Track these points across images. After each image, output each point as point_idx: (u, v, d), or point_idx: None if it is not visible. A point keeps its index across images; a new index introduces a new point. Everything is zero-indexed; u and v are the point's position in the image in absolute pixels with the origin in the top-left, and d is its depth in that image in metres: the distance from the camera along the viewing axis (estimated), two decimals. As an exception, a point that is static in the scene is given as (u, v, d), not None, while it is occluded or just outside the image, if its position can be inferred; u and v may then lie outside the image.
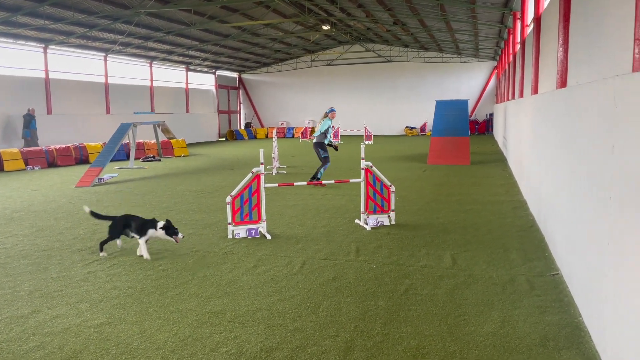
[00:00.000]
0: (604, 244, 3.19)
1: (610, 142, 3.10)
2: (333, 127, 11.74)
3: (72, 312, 4.17)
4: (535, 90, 10.95)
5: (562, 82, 7.30)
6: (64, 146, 18.26)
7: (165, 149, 20.56)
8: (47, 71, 21.80)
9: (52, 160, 17.55)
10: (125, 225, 5.83)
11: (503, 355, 3.30)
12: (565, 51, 7.22)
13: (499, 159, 15.79)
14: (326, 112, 11.30)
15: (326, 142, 11.16)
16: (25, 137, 18.88)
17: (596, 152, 3.47)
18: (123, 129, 15.12)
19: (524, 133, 9.37)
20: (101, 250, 5.82)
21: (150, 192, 10.84)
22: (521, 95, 14.84)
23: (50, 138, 20.69)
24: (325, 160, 11.14)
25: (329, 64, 37.28)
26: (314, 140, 11.28)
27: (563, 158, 4.88)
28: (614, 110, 3.03)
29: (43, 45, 21.55)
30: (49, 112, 21.68)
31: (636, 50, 3.47)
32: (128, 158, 18.27)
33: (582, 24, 6.57)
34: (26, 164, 16.67)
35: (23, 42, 20.64)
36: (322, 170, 11.15)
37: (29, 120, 19.11)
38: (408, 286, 4.63)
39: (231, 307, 4.23)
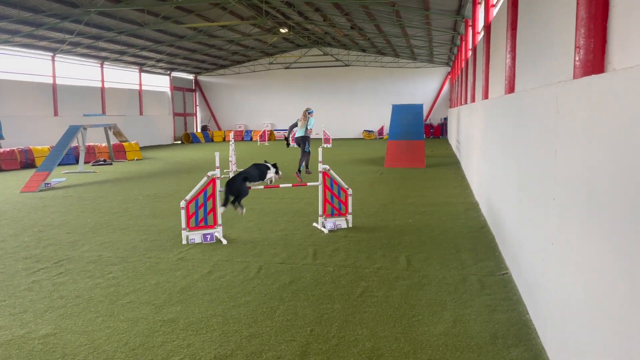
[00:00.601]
0: (548, 244, 3.32)
1: (553, 146, 3.23)
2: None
3: (15, 323, 3.97)
4: (485, 95, 11.32)
5: (510, 88, 7.57)
6: (8, 150, 17.40)
7: (117, 153, 19.94)
8: (-11, 71, 20.77)
9: (-5, 164, 16.68)
10: (244, 179, 6.91)
11: (455, 354, 3.38)
12: (513, 58, 7.49)
13: (453, 162, 16.20)
14: (309, 112, 13.09)
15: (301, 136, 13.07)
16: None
17: (541, 156, 3.62)
18: (72, 131, 14.58)
19: (475, 137, 9.66)
20: (225, 205, 6.64)
21: (101, 197, 10.49)
22: (473, 100, 15.31)
23: (-7, 141, 19.68)
24: (309, 153, 13.01)
25: (287, 67, 37.25)
26: (302, 134, 13.02)
27: (511, 161, 5.06)
28: (556, 116, 3.17)
29: (-15, 44, 20.52)
30: (-9, 113, 20.64)
31: (576, 58, 3.64)
32: (77, 162, 17.61)
33: (528, 32, 6.84)
34: (-34, 168, 15.78)
35: (-37, 40, 19.61)
36: (305, 163, 12.92)
37: None
38: (364, 288, 4.67)
39: (184, 314, 4.14)
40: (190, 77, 38.69)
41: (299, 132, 13.12)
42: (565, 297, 2.93)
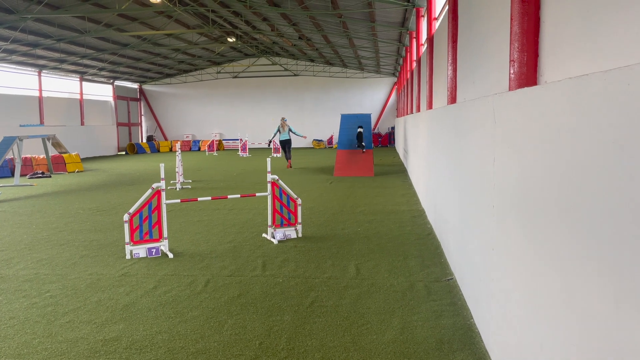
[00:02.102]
0: (489, 249, 3.44)
1: (492, 155, 3.37)
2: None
3: (-62, 352, 3.68)
4: (430, 105, 11.68)
5: (452, 99, 7.85)
6: None
7: (57, 165, 19.04)
8: None
9: None
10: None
11: (403, 361, 3.42)
12: (455, 70, 7.78)
13: (401, 170, 16.55)
14: (284, 119, 18.34)
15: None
16: None
17: (481, 164, 3.76)
18: (6, 143, 13.80)
19: (420, 145, 9.92)
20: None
21: (38, 211, 9.97)
22: (418, 109, 15.74)
23: None
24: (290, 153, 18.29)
25: (235, 77, 36.96)
26: (287, 138, 17.82)
27: (453, 169, 5.23)
28: (493, 125, 3.31)
29: None
30: None
31: (511, 71, 3.82)
32: (13, 175, 16.68)
33: (468, 45, 7.13)
34: None
35: None
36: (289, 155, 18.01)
37: None
38: (314, 299, 4.67)
39: (128, 332, 3.98)
40: (135, 86, 37.64)
41: (282, 137, 17.87)
42: (505, 301, 3.04)
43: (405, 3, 14.19)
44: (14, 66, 25.04)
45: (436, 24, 11.62)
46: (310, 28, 22.17)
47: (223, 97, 37.26)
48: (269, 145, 20.40)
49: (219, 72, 36.78)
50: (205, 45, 27.65)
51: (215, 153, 30.11)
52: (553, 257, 2.22)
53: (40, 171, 17.69)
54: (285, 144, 17.84)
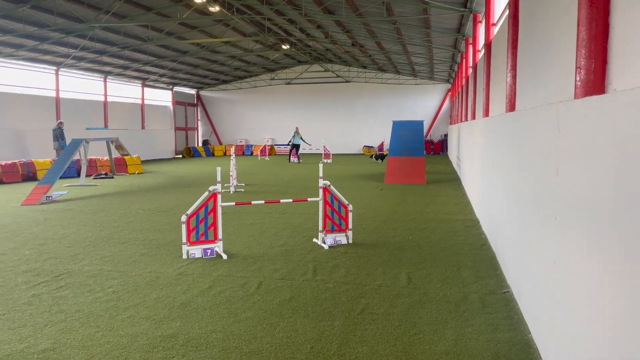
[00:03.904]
0: (550, 263, 3.31)
1: (554, 165, 3.25)
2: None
3: (14, 338, 3.95)
4: (486, 112, 11.39)
5: (511, 106, 7.62)
6: (10, 162, 17.44)
7: (119, 166, 19.99)
8: (-7, 84, 20.92)
9: (-3, 176, 16.72)
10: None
11: (456, 373, 3.35)
12: (514, 76, 7.56)
13: (453, 179, 16.22)
14: (297, 128, 26.50)
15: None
16: (62, 148, 18.10)
17: (542, 174, 3.63)
18: (74, 145, 14.63)
19: (476, 154, 9.69)
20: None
21: (102, 210, 10.49)
22: (473, 117, 15.39)
23: (-5, 153, 19.76)
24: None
25: (288, 83, 37.51)
26: (298, 143, 25.77)
27: (512, 178, 5.07)
28: (557, 134, 3.19)
29: (-10, 57, 20.70)
30: (-6, 126, 20.75)
31: (577, 78, 3.68)
32: (79, 175, 17.65)
33: (529, 51, 6.91)
34: (-32, 180, 15.81)
35: (-32, 53, 19.78)
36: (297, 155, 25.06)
37: (61, 132, 18.70)
38: (364, 305, 4.65)
39: (184, 330, 4.12)
40: (193, 91, 38.94)
41: (296, 141, 25.76)
42: (568, 317, 2.92)
43: (463, 9, 13.94)
44: (82, 72, 26.53)
45: (495, 30, 11.34)
46: (363, 35, 22.19)
47: (276, 103, 37.88)
48: (288, 144, 26.66)
49: (272, 79, 37.44)
50: (260, 53, 28.25)
51: (267, 157, 30.62)
52: (622, 275, 2.11)
53: (104, 172, 18.63)
54: (296, 147, 25.52)
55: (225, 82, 37.98)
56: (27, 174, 17.61)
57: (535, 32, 6.47)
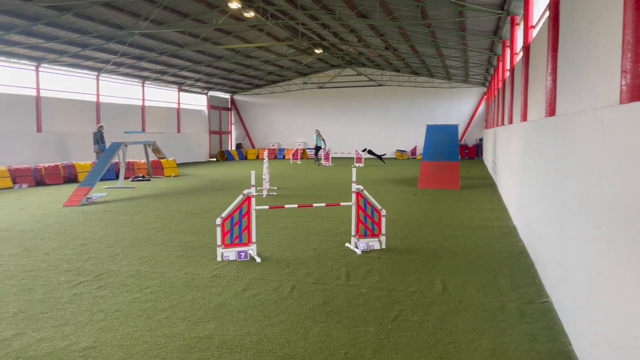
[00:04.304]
0: (594, 274, 3.20)
1: (598, 172, 3.15)
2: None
3: (57, 335, 4.09)
4: (524, 117, 11.13)
5: (551, 111, 7.43)
6: (52, 164, 18.12)
7: (155, 169, 20.47)
8: (38, 89, 21.76)
9: (40, 178, 17.39)
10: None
11: (494, 385, 3.27)
12: (554, 80, 7.37)
13: (489, 184, 15.91)
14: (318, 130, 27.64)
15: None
16: (101, 151, 18.94)
17: (585, 181, 3.52)
18: (113, 148, 15.07)
19: (513, 159, 9.48)
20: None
21: (139, 212, 10.75)
22: (510, 121, 15.07)
23: (39, 156, 20.55)
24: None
25: (320, 87, 37.63)
26: (320, 145, 27.70)
27: (552, 185, 4.94)
28: (602, 141, 3.09)
29: (35, 64, 21.56)
30: (39, 130, 21.58)
31: (623, 82, 3.56)
32: (117, 177, 18.16)
33: (570, 55, 6.73)
34: (14, 182, 16.50)
35: (15, 60, 20.65)
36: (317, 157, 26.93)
37: (102, 135, 19.62)
38: (398, 312, 4.60)
39: (219, 331, 4.17)
40: (227, 96, 39.55)
41: (319, 143, 27.70)
42: (612, 329, 2.81)
43: (500, 11, 13.69)
44: (121, 78, 27.33)
45: (533, 32, 11.09)
46: (397, 38, 22.07)
47: (308, 107, 38.05)
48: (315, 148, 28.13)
49: (305, 83, 37.64)
50: (293, 57, 28.45)
51: (299, 161, 30.77)
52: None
53: (141, 175, 19.11)
54: (317, 149, 27.73)
55: (258, 86, 38.42)
56: (68, 176, 18.24)
57: (577, 34, 6.29)
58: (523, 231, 7.51)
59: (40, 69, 21.87)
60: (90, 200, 12.38)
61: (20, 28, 17.00)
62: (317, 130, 28.44)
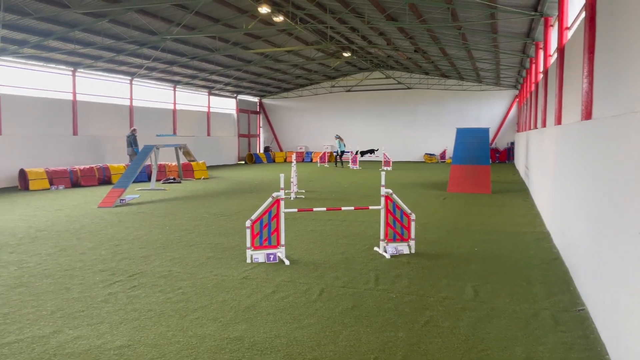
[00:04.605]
0: (633, 282, 3.10)
1: (638, 178, 3.05)
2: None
3: (92, 334, 4.19)
4: (558, 120, 10.86)
5: (587, 114, 7.23)
6: (87, 167, 18.64)
7: (186, 171, 20.82)
8: (74, 93, 22.43)
9: (76, 180, 17.90)
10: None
11: (528, 394, 3.20)
12: (590, 83, 7.17)
13: (521, 189, 15.59)
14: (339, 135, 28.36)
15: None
16: (134, 154, 19.55)
17: (624, 186, 3.42)
18: (146, 151, 15.40)
19: (547, 163, 9.27)
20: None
21: (171, 214, 10.95)
22: (544, 124, 14.74)
23: (75, 158, 21.16)
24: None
25: (348, 90, 37.61)
26: (343, 149, 28.31)
27: (589, 190, 4.81)
28: (643, 145, 2.99)
29: (72, 69, 22.23)
30: (75, 133, 22.22)
31: (665, 85, 3.44)
32: (149, 179, 18.54)
33: (608, 57, 6.54)
34: (51, 183, 17.03)
35: (53, 66, 21.33)
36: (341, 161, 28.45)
37: (135, 138, 20.26)
38: (429, 318, 4.55)
39: (250, 333, 4.21)
40: (255, 99, 39.93)
41: (341, 147, 28.37)
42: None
43: (533, 13, 13.42)
44: (154, 82, 27.91)
45: (568, 34, 10.83)
46: (426, 41, 21.88)
47: (336, 110, 38.07)
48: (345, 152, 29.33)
49: (332, 86, 37.69)
50: (322, 61, 28.53)
51: (326, 164, 30.79)
52: None
53: (172, 177, 19.47)
54: (341, 153, 28.65)
55: (286, 90, 38.66)
56: (102, 177, 18.73)
57: (615, 36, 6.12)
58: (557, 237, 7.33)
59: (76, 74, 22.54)
60: (124, 201, 12.68)
61: (58, 34, 17.57)
62: (337, 135, 29.25)
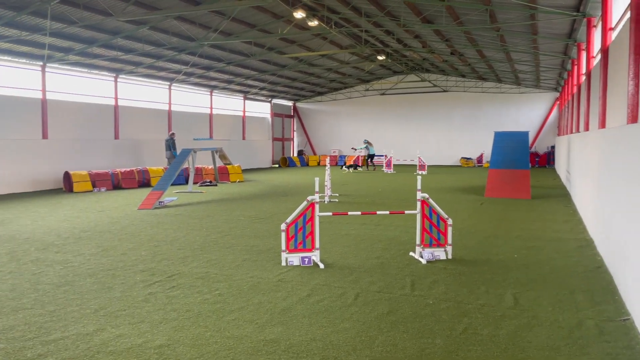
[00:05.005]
0: (687, 292, 2.96)
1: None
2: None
3: (134, 332, 4.31)
4: (602, 124, 10.49)
5: (634, 117, 6.97)
6: (128, 169, 19.19)
7: (222, 174, 21.16)
8: (116, 99, 23.15)
9: (117, 182, 18.46)
10: None
11: (572, 406, 3.10)
12: (637, 85, 6.90)
13: (562, 194, 15.13)
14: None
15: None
16: (173, 157, 20.21)
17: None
18: (184, 154, 15.74)
19: (590, 168, 8.97)
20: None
21: (207, 216, 11.14)
22: (587, 128, 14.27)
23: (116, 161, 21.83)
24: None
25: (382, 94, 37.42)
26: (373, 153, 28.89)
27: (636, 196, 4.62)
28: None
29: (114, 75, 22.96)
30: (116, 137, 22.92)
31: None
32: (187, 182, 18.93)
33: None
34: (94, 185, 17.62)
35: (96, 72, 22.09)
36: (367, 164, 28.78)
37: (173, 142, 20.91)
38: (467, 325, 4.47)
39: (285, 336, 4.23)
40: (290, 103, 40.24)
41: (372, 151, 29.00)
42: None
43: (575, 13, 13.04)
44: (191, 87, 28.53)
45: (612, 35, 10.46)
46: (463, 43, 21.55)
47: (370, 114, 37.93)
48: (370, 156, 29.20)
49: (367, 90, 37.58)
50: (356, 64, 28.51)
51: (360, 168, 30.68)
52: None
53: (209, 180, 19.82)
54: (371, 156, 29.03)
55: (320, 93, 38.79)
56: (142, 180, 19.24)
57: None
58: (601, 245, 7.07)
59: (118, 79, 23.27)
60: (163, 203, 12.98)
61: (102, 42, 18.20)
62: (366, 140, 29.84)
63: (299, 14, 15.89)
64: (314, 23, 17.02)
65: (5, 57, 17.78)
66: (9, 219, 10.89)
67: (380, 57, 25.17)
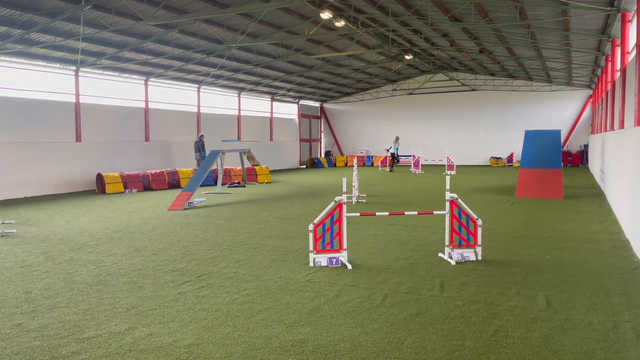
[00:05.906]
0: None
1: None
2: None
3: (164, 331, 4.38)
4: (638, 121, 10.14)
5: (672, 113, 6.71)
6: (158, 171, 19.56)
7: (250, 176, 21.35)
8: (146, 101, 23.63)
9: (148, 184, 18.84)
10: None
11: (609, 413, 3.00)
12: (676, 79, 6.65)
13: (596, 194, 14.71)
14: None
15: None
16: (202, 158, 20.70)
17: None
18: (213, 155, 15.94)
19: (625, 166, 8.69)
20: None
21: (236, 217, 11.25)
22: (621, 126, 13.83)
23: (146, 163, 22.28)
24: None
25: (410, 93, 37.10)
26: (396, 152, 28.31)
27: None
28: None
29: (144, 78, 23.44)
30: (146, 139, 23.40)
31: None
32: (215, 183, 19.18)
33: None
34: (125, 187, 18.03)
35: (127, 75, 22.60)
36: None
37: (202, 144, 21.37)
38: (498, 327, 4.38)
39: (314, 336, 4.23)
40: (317, 104, 40.31)
41: (393, 149, 28.20)
42: None
43: (609, 8, 12.65)
44: (219, 89, 28.90)
45: (649, 28, 10.10)
46: (492, 41, 21.19)
47: (397, 114, 37.67)
48: (390, 154, 28.61)
49: (394, 90, 37.34)
50: (383, 64, 28.36)
51: (387, 169, 30.50)
52: None
53: (237, 181, 20.03)
54: (396, 155, 28.72)
55: (347, 94, 38.73)
56: (172, 181, 19.59)
57: None
58: (638, 245, 6.84)
59: (148, 82, 23.75)
60: (192, 204, 13.18)
61: (132, 46, 18.61)
62: (397, 137, 29.59)
63: (325, 15, 15.90)
64: (340, 23, 17.01)
65: (40, 63, 18.37)
66: (44, 220, 11.24)
67: (407, 57, 24.96)
